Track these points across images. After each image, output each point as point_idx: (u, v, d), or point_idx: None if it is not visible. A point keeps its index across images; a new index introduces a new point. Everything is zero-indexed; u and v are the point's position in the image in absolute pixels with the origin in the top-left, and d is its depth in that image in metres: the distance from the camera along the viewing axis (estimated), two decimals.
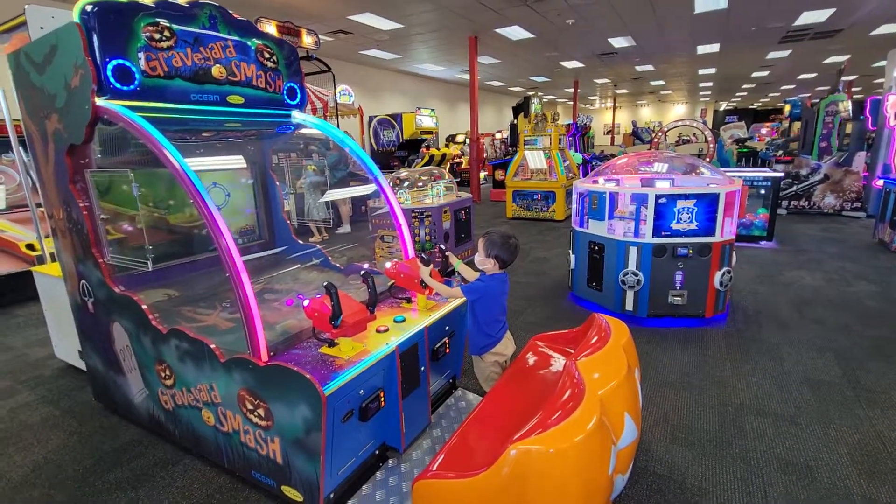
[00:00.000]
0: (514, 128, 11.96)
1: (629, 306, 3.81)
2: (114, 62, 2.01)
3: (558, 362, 2.29)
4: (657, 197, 3.52)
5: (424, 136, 14.94)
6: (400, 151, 14.67)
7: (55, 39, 2.10)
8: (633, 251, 3.67)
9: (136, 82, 2.09)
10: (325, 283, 1.85)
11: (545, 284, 5.01)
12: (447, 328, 2.57)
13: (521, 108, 10.99)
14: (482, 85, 19.45)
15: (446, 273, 2.54)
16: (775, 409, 2.60)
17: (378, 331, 2.18)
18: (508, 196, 8.98)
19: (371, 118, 14.70)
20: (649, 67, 16.42)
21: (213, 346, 1.97)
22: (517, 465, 1.35)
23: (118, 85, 2.04)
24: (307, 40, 8.68)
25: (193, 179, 1.85)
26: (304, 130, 3.11)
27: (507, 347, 2.35)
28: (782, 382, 2.88)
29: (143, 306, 2.20)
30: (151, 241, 2.40)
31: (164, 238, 2.66)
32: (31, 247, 4.86)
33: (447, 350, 2.55)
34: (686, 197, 3.50)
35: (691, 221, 3.53)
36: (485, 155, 16.65)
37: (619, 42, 12.14)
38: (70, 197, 2.30)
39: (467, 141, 15.49)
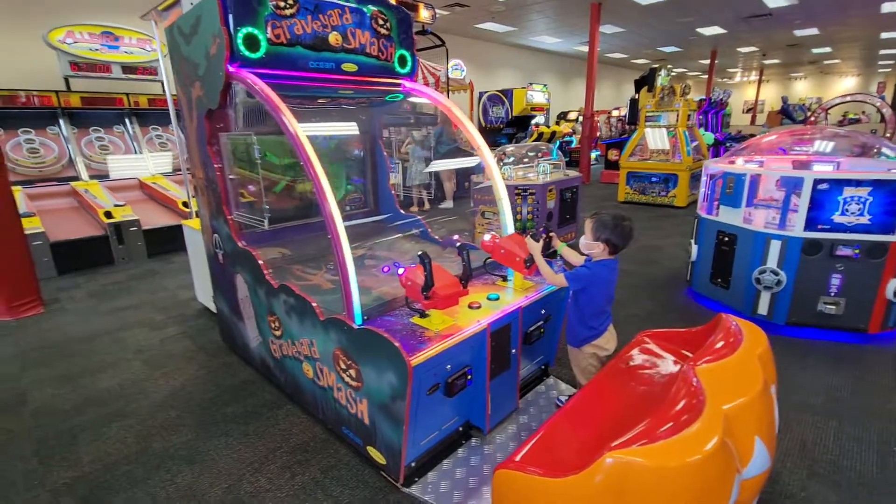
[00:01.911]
0: (633, 103, 10.91)
1: (763, 310, 3.25)
2: (244, 30, 2.13)
3: (670, 365, 2.01)
4: (816, 182, 2.90)
5: (535, 113, 14.41)
6: (508, 128, 14.35)
7: (200, 11, 2.29)
8: (774, 245, 3.10)
9: (262, 50, 2.21)
10: (419, 253, 1.81)
11: (655, 275, 4.51)
12: (543, 311, 2.41)
13: (645, 81, 9.95)
14: (601, 58, 18.04)
15: (548, 255, 2.37)
16: None
17: (470, 307, 2.11)
18: (622, 177, 8.27)
19: (481, 94, 14.52)
20: (813, 31, 13.73)
21: (314, 304, 2.06)
22: (613, 476, 1.19)
23: (247, 52, 2.17)
24: (424, 14, 8.73)
25: (305, 145, 1.91)
26: (413, 100, 3.09)
27: (610, 342, 2.12)
28: None
29: (260, 261, 2.39)
30: (272, 204, 2.59)
31: (284, 201, 2.86)
32: (185, 204, 5.66)
33: (542, 334, 2.40)
34: (858, 183, 2.83)
35: (862, 214, 2.86)
36: (598, 133, 15.57)
37: (775, 0, 10.28)
38: (207, 158, 2.56)
39: (580, 118, 14.59)
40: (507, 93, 14.15)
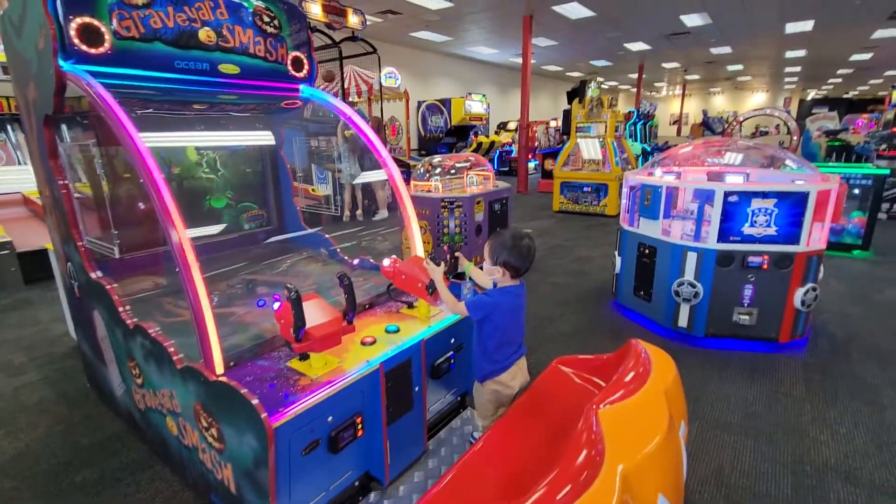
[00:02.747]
0: (566, 114, 11.19)
1: (683, 322, 3.23)
2: (78, 20, 1.76)
3: (581, 396, 1.85)
4: (727, 194, 2.91)
5: (474, 123, 14.45)
6: (448, 138, 14.29)
7: None
8: (691, 257, 3.08)
9: (108, 45, 1.84)
10: (286, 285, 1.53)
11: (586, 288, 4.47)
12: (453, 341, 2.19)
13: (577, 93, 10.22)
14: (537, 70, 18.54)
15: (457, 276, 2.15)
16: (871, 476, 2.01)
17: (363, 343, 1.84)
18: (556, 187, 8.36)
19: (420, 103, 14.39)
20: (726, 50, 14.84)
21: (170, 349, 1.71)
22: None
23: (85, 47, 1.80)
24: (353, 20, 8.44)
25: (147, 158, 1.57)
26: (314, 107, 2.80)
27: (515, 378, 1.90)
28: (882, 438, 2.25)
29: (114, 296, 1.99)
30: (132, 225, 2.20)
31: (146, 222, 2.46)
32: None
33: (451, 366, 2.18)
34: (765, 195, 2.86)
35: (769, 225, 2.89)
36: (536, 144, 15.90)
37: (692, 20, 10.95)
38: (50, 172, 2.13)
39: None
40: (446, 102, 14.12)
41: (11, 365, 3.09)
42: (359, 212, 7.59)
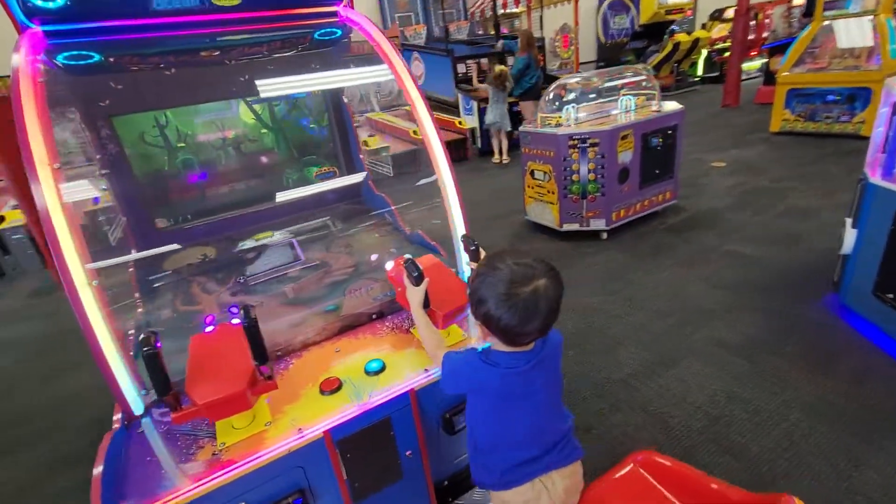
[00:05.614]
0: None
1: None
2: None
3: None
4: None
5: (672, 18, 11.30)
6: (634, 42, 11.68)
7: None
8: None
9: None
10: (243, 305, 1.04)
11: (787, 266, 2.95)
12: None
13: None
14: None
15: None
16: None
17: (323, 390, 1.30)
18: (779, 97, 5.89)
19: (600, 1, 11.93)
20: None
21: None
22: None
23: (37, 2, 1.53)
24: None
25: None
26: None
27: (541, 502, 1.09)
28: None
29: None
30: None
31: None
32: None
33: None
34: None
35: None
36: (765, 34, 11.70)
37: None
38: None
39: None
40: None
41: None
42: (505, 159, 6.73)
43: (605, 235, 3.75)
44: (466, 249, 1.36)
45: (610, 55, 12.11)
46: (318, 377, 1.35)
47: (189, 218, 2.38)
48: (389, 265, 1.53)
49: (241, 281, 2.04)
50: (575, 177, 3.51)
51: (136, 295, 1.89)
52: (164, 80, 2.17)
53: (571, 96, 3.72)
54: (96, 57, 1.74)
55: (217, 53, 2.08)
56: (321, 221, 2.50)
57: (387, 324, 1.62)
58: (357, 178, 2.74)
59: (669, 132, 3.66)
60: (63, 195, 1.20)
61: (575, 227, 3.72)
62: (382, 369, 1.37)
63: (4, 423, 2.56)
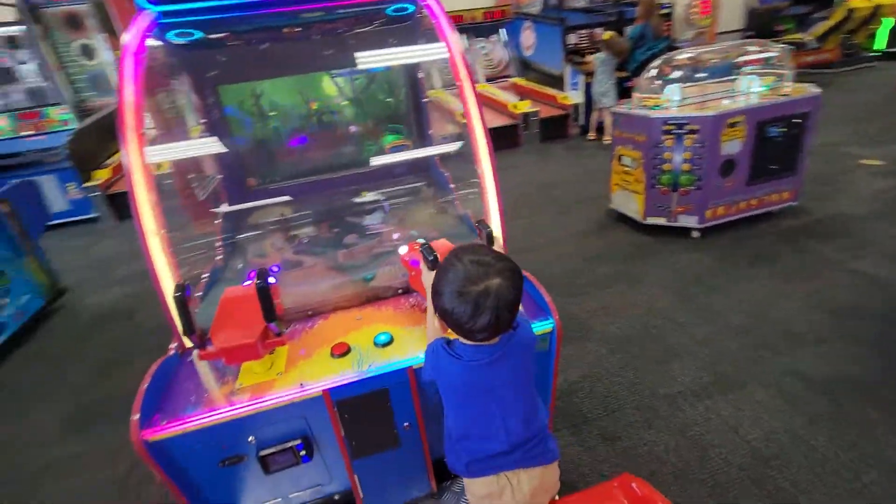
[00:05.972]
0: None
1: None
2: None
3: None
4: None
5: None
6: (795, 7, 9.82)
7: None
8: None
9: None
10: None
11: None
12: None
13: None
14: None
15: None
16: None
17: (333, 353, 1.42)
18: None
19: None
20: None
21: None
22: None
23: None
24: None
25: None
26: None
27: (501, 499, 1.09)
28: None
29: None
30: None
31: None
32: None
33: None
34: None
35: None
36: None
37: None
38: None
39: None
40: None
41: None
42: (606, 138, 6.25)
43: (696, 234, 3.36)
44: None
45: (762, 23, 10.33)
46: (334, 340, 1.48)
47: (277, 179, 2.67)
48: (403, 249, 1.57)
49: (306, 241, 2.26)
50: (666, 166, 3.17)
51: (218, 245, 2.19)
52: (258, 55, 2.41)
53: (677, 74, 3.31)
54: (197, 34, 1.99)
55: (298, 30, 2.24)
56: (390, 191, 2.62)
57: (410, 300, 1.69)
58: (432, 150, 2.80)
59: (796, 121, 3.09)
60: (147, 156, 1.44)
61: (661, 221, 3.38)
62: (390, 342, 1.45)
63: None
